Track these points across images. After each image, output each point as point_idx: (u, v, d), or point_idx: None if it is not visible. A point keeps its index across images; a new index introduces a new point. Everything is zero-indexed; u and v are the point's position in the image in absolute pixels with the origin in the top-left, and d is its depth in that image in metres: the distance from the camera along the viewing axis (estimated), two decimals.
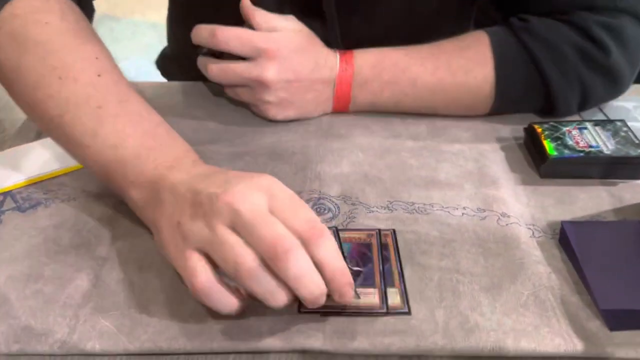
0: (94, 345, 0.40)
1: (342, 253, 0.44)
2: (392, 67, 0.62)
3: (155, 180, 0.45)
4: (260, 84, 0.59)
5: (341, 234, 0.49)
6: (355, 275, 0.45)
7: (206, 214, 0.39)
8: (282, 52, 0.59)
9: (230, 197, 0.38)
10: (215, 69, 0.60)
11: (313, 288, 0.38)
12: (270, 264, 0.38)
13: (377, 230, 0.49)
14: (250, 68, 0.59)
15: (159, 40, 0.97)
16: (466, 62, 0.62)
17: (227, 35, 0.58)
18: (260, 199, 0.39)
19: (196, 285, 0.39)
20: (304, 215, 0.39)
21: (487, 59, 0.62)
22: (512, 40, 0.62)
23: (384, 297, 0.43)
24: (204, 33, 0.60)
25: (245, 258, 0.37)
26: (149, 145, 0.48)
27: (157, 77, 0.92)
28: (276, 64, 0.59)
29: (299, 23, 0.62)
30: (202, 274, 0.39)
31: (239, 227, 0.38)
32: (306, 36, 0.62)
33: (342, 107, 0.65)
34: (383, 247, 0.48)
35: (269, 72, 0.59)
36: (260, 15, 0.60)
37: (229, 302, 0.39)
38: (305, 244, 0.38)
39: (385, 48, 0.64)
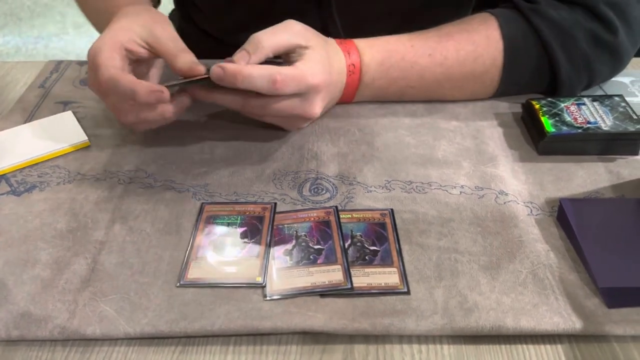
0: (94, 330, 0.40)
1: (341, 232, 0.45)
2: (399, 63, 0.60)
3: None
4: (305, 118, 0.56)
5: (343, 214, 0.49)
6: (373, 255, 0.45)
7: None
8: (325, 80, 0.55)
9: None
10: (258, 106, 0.54)
11: None
12: None
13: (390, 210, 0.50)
14: (299, 105, 0.54)
15: None
16: (474, 48, 0.60)
17: (286, 80, 0.51)
18: None
19: None
20: None
21: (496, 42, 0.59)
22: (521, 22, 0.60)
23: (403, 276, 0.44)
24: (259, 82, 0.51)
25: None
26: None
27: None
28: (321, 96, 0.55)
29: (298, 25, 0.56)
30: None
31: None
32: (324, 44, 0.57)
33: (345, 101, 0.63)
34: (381, 226, 0.48)
35: (317, 106, 0.55)
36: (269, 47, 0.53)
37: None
38: None
39: (391, 38, 0.61)
